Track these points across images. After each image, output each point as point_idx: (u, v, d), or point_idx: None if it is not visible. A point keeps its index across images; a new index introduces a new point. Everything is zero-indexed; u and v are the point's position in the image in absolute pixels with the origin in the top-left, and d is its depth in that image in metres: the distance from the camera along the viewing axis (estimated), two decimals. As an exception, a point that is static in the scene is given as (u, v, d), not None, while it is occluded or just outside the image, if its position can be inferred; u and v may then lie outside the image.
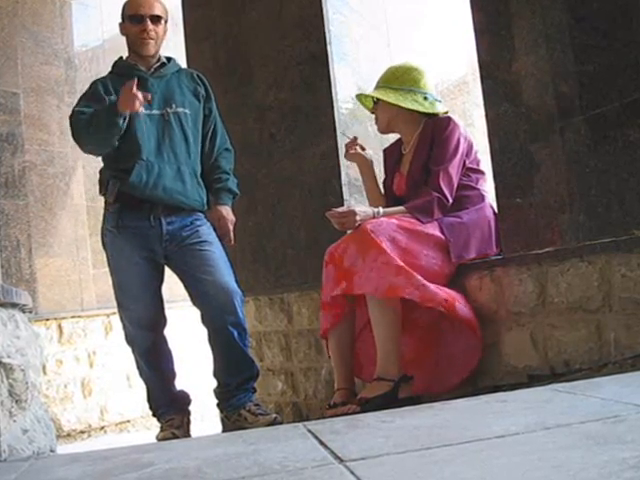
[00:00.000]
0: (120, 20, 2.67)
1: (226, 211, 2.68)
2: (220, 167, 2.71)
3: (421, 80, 2.60)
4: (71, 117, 2.56)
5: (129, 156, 2.51)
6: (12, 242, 4.23)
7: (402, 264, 2.27)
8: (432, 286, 2.28)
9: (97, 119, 2.46)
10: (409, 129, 2.63)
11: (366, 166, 2.76)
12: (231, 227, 2.68)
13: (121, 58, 2.71)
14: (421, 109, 2.58)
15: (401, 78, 2.60)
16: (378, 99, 2.64)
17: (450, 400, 1.76)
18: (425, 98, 2.59)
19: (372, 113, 2.76)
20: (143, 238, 2.53)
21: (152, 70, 2.64)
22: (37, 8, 4.63)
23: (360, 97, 2.79)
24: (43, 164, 4.50)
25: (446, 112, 2.64)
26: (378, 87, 2.64)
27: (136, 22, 2.59)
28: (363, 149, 2.76)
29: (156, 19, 2.60)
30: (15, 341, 1.67)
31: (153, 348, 2.62)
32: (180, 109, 2.61)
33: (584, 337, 2.10)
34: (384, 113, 2.64)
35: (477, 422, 1.42)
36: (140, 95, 2.36)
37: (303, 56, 3.30)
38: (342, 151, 3.12)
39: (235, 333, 2.53)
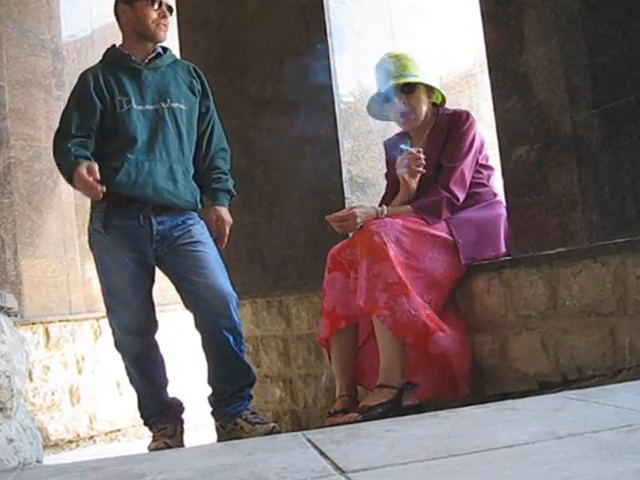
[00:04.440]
0: (122, 2, 2.61)
1: (224, 212, 2.68)
2: (218, 167, 2.70)
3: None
4: (56, 139, 2.56)
5: (119, 153, 2.50)
6: (-3, 242, 4.23)
7: (393, 280, 2.27)
8: (415, 311, 2.25)
9: (64, 164, 2.49)
10: (423, 124, 2.62)
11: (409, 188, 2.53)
12: (228, 230, 2.68)
13: (114, 46, 2.67)
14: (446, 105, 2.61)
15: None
16: (415, 88, 2.53)
17: (456, 408, 1.76)
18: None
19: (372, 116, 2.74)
20: (132, 239, 2.52)
21: (147, 61, 2.62)
22: (23, -4, 4.64)
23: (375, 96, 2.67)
24: (29, 160, 4.51)
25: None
26: (414, 76, 2.54)
27: (157, 6, 2.58)
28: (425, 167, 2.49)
29: (169, 9, 2.63)
30: (0, 346, 1.67)
31: (144, 354, 2.61)
32: (175, 104, 2.59)
33: (597, 342, 2.10)
34: (425, 103, 2.57)
35: (485, 431, 1.42)
36: (97, 187, 2.40)
37: (302, 47, 3.30)
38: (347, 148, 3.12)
39: (230, 338, 2.52)
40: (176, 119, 2.59)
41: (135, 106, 2.52)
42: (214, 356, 2.57)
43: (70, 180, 2.46)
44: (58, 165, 2.54)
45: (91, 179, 2.38)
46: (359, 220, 2.39)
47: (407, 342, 2.29)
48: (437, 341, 2.30)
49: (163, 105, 2.57)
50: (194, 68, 2.73)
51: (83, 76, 2.62)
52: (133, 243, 2.53)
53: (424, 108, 2.57)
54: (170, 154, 2.56)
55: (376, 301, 2.26)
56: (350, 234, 2.54)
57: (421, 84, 2.55)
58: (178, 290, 2.61)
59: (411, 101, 2.55)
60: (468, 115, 2.52)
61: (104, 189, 2.40)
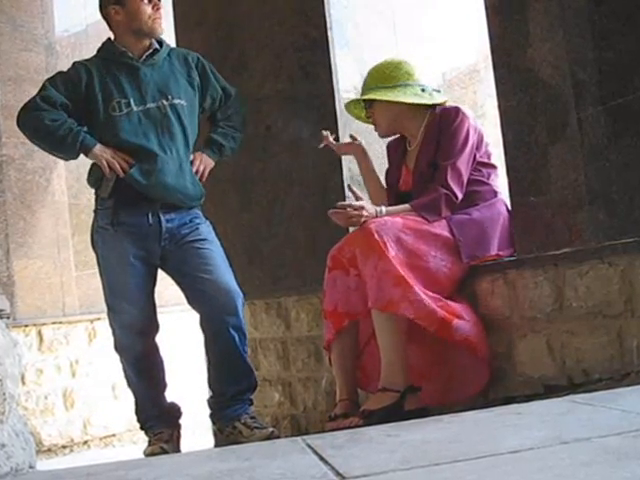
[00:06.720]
0: (112, 4, 2.57)
1: (205, 158, 2.68)
2: (230, 121, 2.79)
3: (414, 73, 2.60)
4: (33, 102, 2.51)
5: (129, 151, 2.50)
6: (-12, 242, 4.23)
7: (402, 273, 2.27)
8: (429, 302, 2.27)
9: (59, 133, 2.47)
10: (413, 125, 2.62)
11: (361, 156, 2.77)
12: (202, 168, 2.66)
13: (110, 40, 2.65)
14: (424, 101, 2.57)
15: (393, 74, 2.58)
16: (372, 102, 2.60)
17: (460, 412, 1.76)
18: (422, 90, 2.59)
19: (366, 120, 2.75)
20: (140, 237, 2.53)
21: (144, 57, 2.61)
22: (15, -10, 4.64)
23: (350, 106, 2.77)
24: (22, 158, 4.51)
25: (445, 101, 2.64)
26: (369, 90, 2.61)
27: (148, 1, 2.56)
28: (353, 138, 2.78)
29: None
30: (-9, 349, 1.67)
31: (144, 356, 2.61)
32: (176, 101, 2.59)
33: (604, 344, 2.10)
34: (383, 115, 2.62)
35: (489, 436, 1.43)
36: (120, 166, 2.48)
37: (302, 42, 3.29)
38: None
39: (236, 337, 2.53)
40: (179, 115, 2.59)
41: (135, 108, 2.53)
42: (217, 355, 2.57)
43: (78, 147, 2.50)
44: (38, 129, 2.50)
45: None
46: (365, 213, 2.40)
47: (430, 331, 2.29)
48: (459, 327, 2.30)
49: (165, 102, 2.58)
50: (191, 57, 2.73)
51: (75, 65, 2.60)
52: (141, 241, 2.53)
53: (385, 120, 2.63)
54: (179, 151, 2.57)
55: (391, 297, 2.26)
56: (351, 229, 2.54)
57: (374, 100, 2.59)
58: (182, 288, 2.61)
59: (373, 115, 2.65)
60: (457, 111, 2.52)
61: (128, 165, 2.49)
